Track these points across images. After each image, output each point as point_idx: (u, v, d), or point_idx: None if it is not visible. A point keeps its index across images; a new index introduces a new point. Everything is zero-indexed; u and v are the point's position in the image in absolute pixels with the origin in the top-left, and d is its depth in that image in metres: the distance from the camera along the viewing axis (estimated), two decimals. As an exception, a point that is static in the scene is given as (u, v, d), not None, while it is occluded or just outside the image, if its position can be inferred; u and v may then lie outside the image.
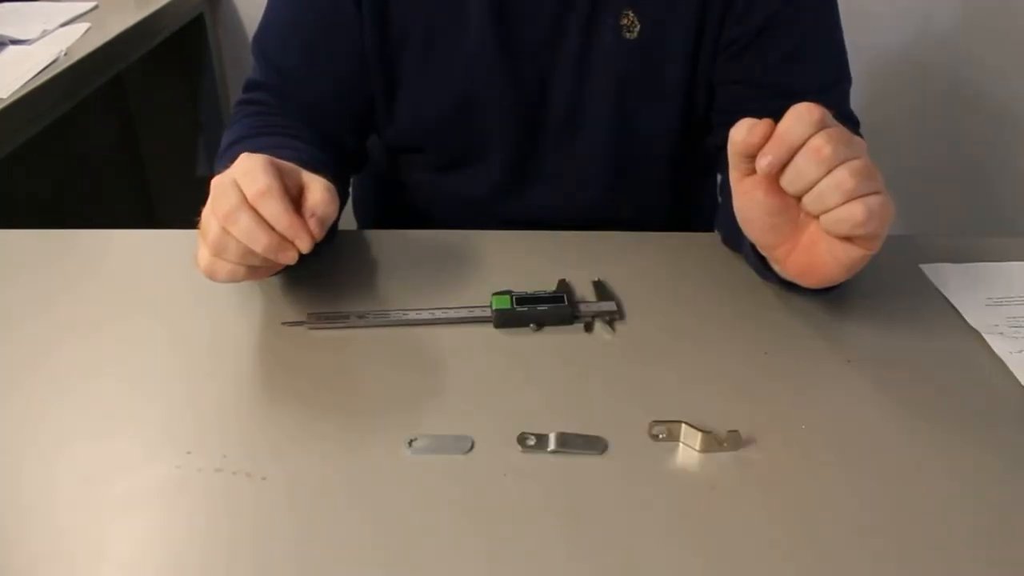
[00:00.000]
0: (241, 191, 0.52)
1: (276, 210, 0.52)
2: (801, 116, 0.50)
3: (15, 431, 0.51)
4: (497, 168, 0.80)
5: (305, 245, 0.53)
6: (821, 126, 0.50)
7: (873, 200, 0.50)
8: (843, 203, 0.50)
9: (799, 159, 0.50)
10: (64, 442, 0.50)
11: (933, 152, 1.76)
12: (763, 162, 0.51)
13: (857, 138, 0.51)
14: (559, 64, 0.74)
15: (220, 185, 0.53)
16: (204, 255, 0.55)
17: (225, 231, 0.52)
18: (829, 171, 0.50)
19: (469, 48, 0.72)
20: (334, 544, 0.44)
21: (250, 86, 0.77)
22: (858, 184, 0.49)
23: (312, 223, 0.54)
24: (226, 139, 0.72)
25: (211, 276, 0.55)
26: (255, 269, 0.56)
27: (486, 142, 0.78)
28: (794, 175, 0.51)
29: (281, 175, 0.54)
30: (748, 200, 0.55)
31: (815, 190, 0.51)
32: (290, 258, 0.54)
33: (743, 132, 0.52)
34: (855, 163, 0.50)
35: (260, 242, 0.52)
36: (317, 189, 0.55)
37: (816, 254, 0.54)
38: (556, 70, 0.74)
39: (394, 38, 0.73)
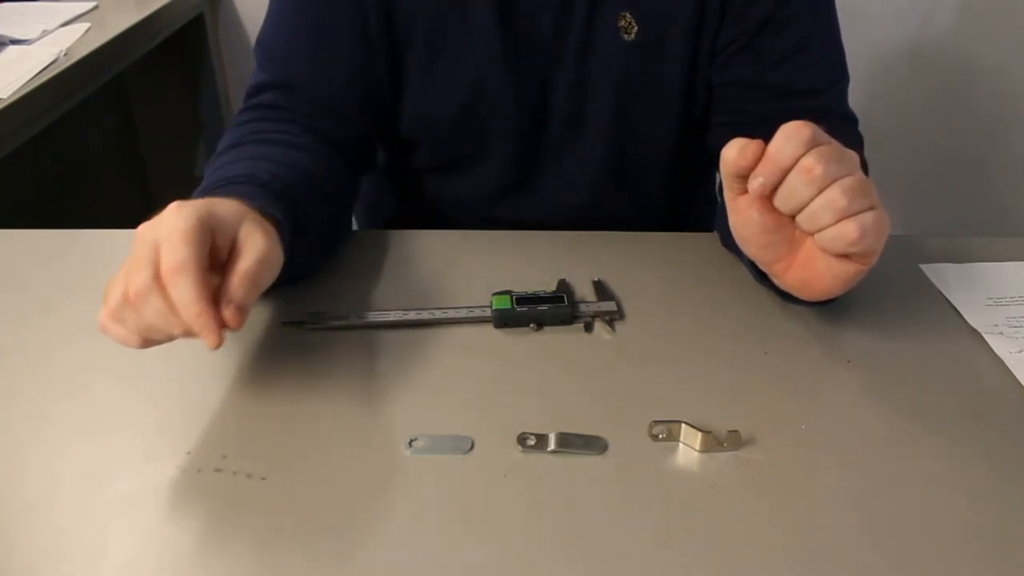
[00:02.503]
0: (156, 263, 0.46)
1: (186, 296, 0.45)
2: (791, 136, 0.50)
3: (16, 431, 0.51)
4: (498, 168, 0.80)
5: (213, 340, 0.46)
6: (812, 144, 0.49)
7: (867, 217, 0.50)
8: (836, 222, 0.50)
9: (791, 179, 0.50)
10: (64, 442, 0.50)
11: (933, 152, 1.76)
12: (754, 184, 0.51)
13: (850, 153, 0.51)
14: (559, 65, 0.74)
15: (139, 245, 0.47)
16: (103, 312, 0.48)
17: (130, 305, 0.47)
18: (820, 191, 0.50)
19: (474, 48, 0.72)
20: (334, 544, 0.44)
21: (253, 91, 0.75)
22: (850, 202, 0.49)
23: (228, 312, 0.47)
24: (220, 145, 0.70)
25: (103, 331, 0.49)
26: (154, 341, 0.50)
27: (488, 142, 0.78)
28: (786, 195, 0.51)
29: (211, 236, 0.48)
30: (743, 219, 0.55)
31: (808, 210, 0.51)
32: (210, 343, 0.46)
33: (734, 153, 0.51)
34: (847, 181, 0.49)
35: (173, 327, 0.47)
36: (249, 254, 0.49)
37: (813, 269, 0.54)
38: (557, 71, 0.74)
39: (401, 35, 0.72)
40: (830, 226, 0.50)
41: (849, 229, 0.50)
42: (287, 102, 0.73)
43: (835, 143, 0.51)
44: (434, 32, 0.72)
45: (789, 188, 0.50)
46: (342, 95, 0.74)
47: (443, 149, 0.80)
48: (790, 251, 0.56)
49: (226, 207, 0.51)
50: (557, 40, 0.73)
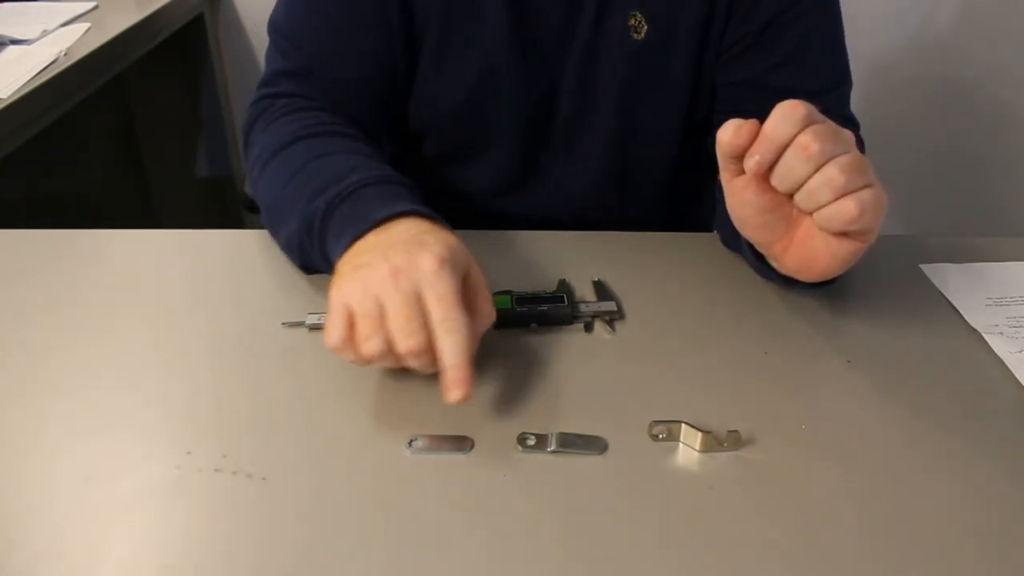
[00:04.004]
0: (424, 322, 0.49)
1: (455, 356, 0.48)
2: (787, 114, 0.50)
3: (16, 431, 0.51)
4: (501, 164, 0.80)
5: (463, 396, 0.48)
6: (807, 123, 0.50)
7: (865, 194, 0.50)
8: (834, 200, 0.50)
9: (787, 157, 0.50)
10: (64, 442, 0.50)
11: (933, 152, 1.76)
12: (750, 162, 0.51)
13: (845, 131, 0.51)
14: (568, 63, 0.74)
15: (397, 294, 0.49)
16: (342, 338, 0.50)
17: (395, 356, 0.50)
18: (818, 168, 0.50)
19: (485, 42, 0.72)
20: (334, 544, 0.44)
21: (276, 78, 0.73)
22: (848, 180, 0.49)
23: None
24: (273, 136, 0.68)
25: (336, 351, 0.51)
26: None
27: (493, 137, 0.78)
28: (783, 173, 0.51)
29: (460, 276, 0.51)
30: (740, 200, 0.55)
31: (805, 188, 0.51)
32: (458, 398, 0.49)
33: (729, 133, 0.52)
34: (843, 158, 0.49)
35: (424, 369, 0.50)
36: (485, 300, 0.53)
37: (812, 249, 0.54)
38: (565, 69, 0.74)
39: (417, 22, 0.72)
40: (828, 204, 0.50)
41: (848, 207, 0.50)
42: (311, 91, 0.72)
43: (830, 122, 0.51)
44: (446, 21, 0.72)
45: (786, 166, 0.50)
46: (362, 84, 0.73)
47: (447, 141, 0.80)
48: (788, 231, 0.55)
49: (448, 239, 0.53)
50: (566, 38, 0.73)
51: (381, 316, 0.49)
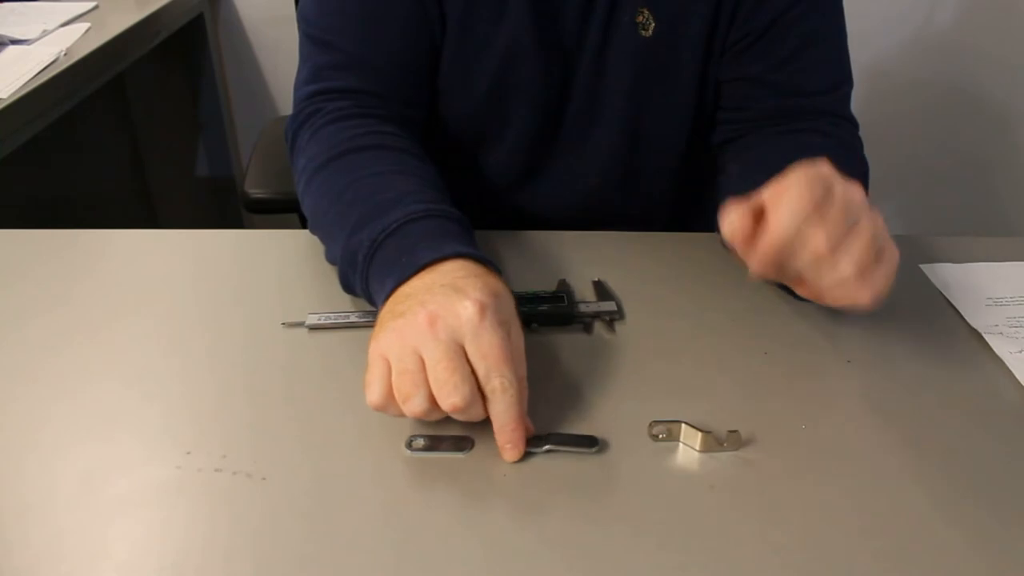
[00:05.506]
0: (471, 374, 0.46)
1: (507, 416, 0.47)
2: (792, 208, 0.49)
3: (15, 431, 0.51)
4: (511, 157, 0.80)
5: (517, 456, 0.48)
6: (814, 208, 0.49)
7: (879, 279, 0.50)
8: (848, 291, 0.50)
9: (800, 257, 0.50)
10: (64, 442, 0.50)
11: (933, 152, 1.76)
12: (756, 269, 0.51)
13: (854, 193, 0.50)
14: (580, 58, 0.74)
15: (438, 345, 0.46)
16: (384, 395, 0.47)
17: (439, 410, 0.47)
18: (832, 266, 0.50)
19: (504, 39, 0.72)
20: (334, 544, 0.44)
21: (320, 72, 0.71)
22: (862, 272, 0.49)
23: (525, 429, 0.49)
24: (319, 146, 0.67)
25: (378, 410, 0.49)
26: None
27: (503, 133, 0.78)
28: (796, 268, 0.51)
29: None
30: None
31: (820, 284, 0.51)
32: (513, 458, 0.49)
33: (731, 230, 0.51)
34: (856, 248, 0.49)
35: (471, 418, 0.48)
36: (520, 364, 0.50)
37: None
38: (577, 67, 0.75)
39: (442, 11, 0.72)
40: (842, 296, 0.51)
41: (861, 297, 0.50)
42: (358, 83, 0.71)
43: (838, 189, 0.50)
44: (468, 15, 0.71)
45: (799, 262, 0.50)
46: (404, 65, 0.72)
47: (458, 133, 0.80)
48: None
49: (492, 285, 0.50)
50: (579, 36, 0.73)
51: (421, 370, 0.46)
